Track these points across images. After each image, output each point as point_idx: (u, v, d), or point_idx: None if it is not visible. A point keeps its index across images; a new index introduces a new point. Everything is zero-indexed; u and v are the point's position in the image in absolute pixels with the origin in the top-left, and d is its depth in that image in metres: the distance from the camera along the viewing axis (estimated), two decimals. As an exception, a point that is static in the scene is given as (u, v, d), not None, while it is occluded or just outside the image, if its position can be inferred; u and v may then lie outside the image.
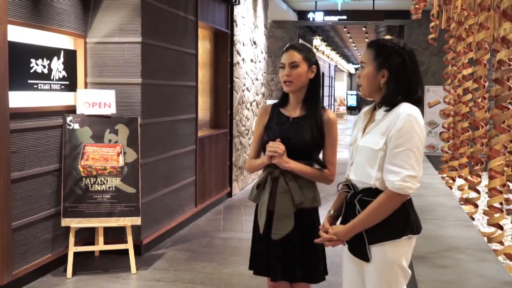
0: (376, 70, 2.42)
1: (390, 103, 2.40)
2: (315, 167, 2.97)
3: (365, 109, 2.62)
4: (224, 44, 8.17)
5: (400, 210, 2.38)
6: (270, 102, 10.73)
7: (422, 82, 2.50)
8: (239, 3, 8.30)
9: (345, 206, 2.57)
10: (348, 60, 38.02)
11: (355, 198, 2.45)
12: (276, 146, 2.81)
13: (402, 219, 2.39)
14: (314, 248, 2.91)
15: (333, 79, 34.98)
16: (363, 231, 2.40)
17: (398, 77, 2.39)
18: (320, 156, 3.00)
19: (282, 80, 2.91)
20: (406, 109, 2.32)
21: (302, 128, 2.89)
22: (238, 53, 8.67)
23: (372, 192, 2.38)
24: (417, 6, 8.79)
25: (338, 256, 2.96)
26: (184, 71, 6.43)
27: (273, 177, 2.88)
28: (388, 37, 2.86)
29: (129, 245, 4.91)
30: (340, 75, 40.86)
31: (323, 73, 24.16)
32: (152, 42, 5.48)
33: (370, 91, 2.47)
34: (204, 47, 7.64)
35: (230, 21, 8.25)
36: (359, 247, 2.44)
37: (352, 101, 42.78)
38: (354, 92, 44.94)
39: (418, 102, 2.42)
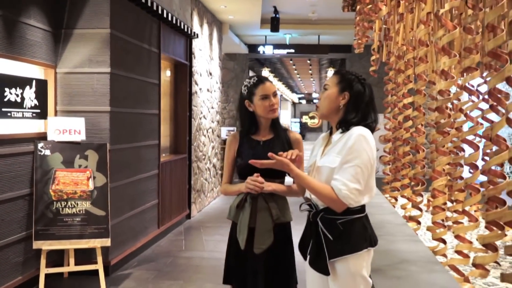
0: (339, 92, 2.52)
1: (345, 125, 2.49)
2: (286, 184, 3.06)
3: (323, 134, 2.70)
4: (183, 74, 8.23)
5: (359, 225, 2.45)
6: (224, 129, 10.70)
7: (377, 112, 2.61)
8: (197, 37, 8.38)
9: (307, 224, 2.63)
10: (292, 90, 38.57)
11: (317, 216, 2.50)
12: (254, 183, 2.86)
13: (361, 234, 2.45)
14: (289, 259, 3.03)
15: (279, 108, 35.43)
16: (324, 246, 2.46)
17: (357, 102, 2.50)
18: None
19: (268, 108, 2.98)
20: (358, 130, 2.41)
21: (273, 149, 2.95)
22: (196, 83, 8.73)
23: (333, 210, 2.43)
24: (359, 41, 9.09)
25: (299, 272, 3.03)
26: (148, 100, 6.44)
27: (252, 196, 2.96)
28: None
29: (99, 266, 4.84)
30: (285, 104, 41.49)
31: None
32: (120, 72, 5.48)
33: (329, 112, 2.55)
34: (165, 78, 7.67)
35: (189, 53, 8.32)
36: (319, 262, 2.47)
37: (296, 128, 43.35)
38: (298, 120, 45.64)
39: (370, 127, 2.51)
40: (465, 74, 5.47)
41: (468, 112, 5.34)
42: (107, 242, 4.91)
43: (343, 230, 2.42)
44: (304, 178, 2.48)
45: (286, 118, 41.15)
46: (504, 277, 3.22)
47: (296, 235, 3.14)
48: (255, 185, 2.87)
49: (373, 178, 2.45)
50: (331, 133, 2.63)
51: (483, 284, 4.39)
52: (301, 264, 2.79)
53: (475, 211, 7.35)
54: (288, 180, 3.08)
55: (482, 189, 4.93)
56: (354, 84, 2.51)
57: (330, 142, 2.56)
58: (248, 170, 2.98)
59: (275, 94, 3.01)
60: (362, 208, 2.47)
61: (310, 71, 24.07)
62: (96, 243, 4.85)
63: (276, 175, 2.98)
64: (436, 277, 3.66)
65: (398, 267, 3.89)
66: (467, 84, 5.18)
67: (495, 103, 4.40)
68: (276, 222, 2.97)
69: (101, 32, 5.21)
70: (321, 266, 2.46)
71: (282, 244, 3.02)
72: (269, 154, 2.43)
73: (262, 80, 3.03)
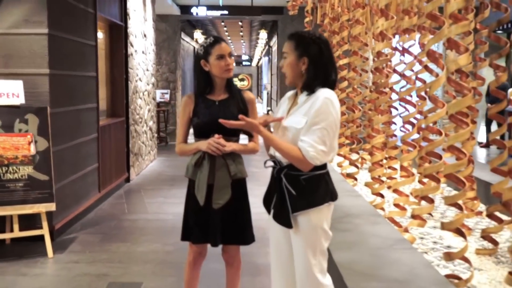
0: (297, 58, 2.56)
1: (310, 87, 2.55)
2: (241, 142, 3.15)
3: (288, 94, 2.76)
4: (119, 36, 8.01)
5: (321, 181, 2.55)
6: (158, 92, 10.55)
7: (336, 68, 2.70)
8: (132, -3, 8.16)
9: (271, 179, 2.70)
10: (222, 52, 38.34)
11: (282, 172, 2.58)
12: (217, 146, 2.93)
13: (323, 189, 2.55)
14: (246, 214, 3.15)
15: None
16: (288, 201, 2.55)
17: (316, 64, 2.55)
18: None
19: (223, 68, 3.02)
20: (324, 93, 2.48)
21: (229, 108, 3.04)
22: (131, 44, 8.52)
23: (296, 167, 2.53)
24: (294, 3, 9.12)
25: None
26: (86, 62, 6.25)
27: (210, 154, 3.00)
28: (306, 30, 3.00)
29: (45, 231, 4.75)
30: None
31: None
32: (58, 33, 5.27)
33: (294, 78, 2.60)
34: (101, 39, 7.44)
35: (124, 14, 8.08)
36: (282, 215, 2.56)
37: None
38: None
39: (333, 85, 2.60)
40: (398, 36, 5.66)
41: (404, 72, 5.54)
42: (52, 206, 4.81)
43: (305, 186, 2.51)
44: (272, 140, 2.54)
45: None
46: (444, 225, 3.44)
47: (251, 195, 3.24)
48: (218, 148, 2.92)
49: (337, 139, 2.54)
50: (296, 93, 2.67)
51: (419, 234, 4.65)
52: (265, 222, 2.86)
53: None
54: (243, 138, 3.14)
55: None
56: (310, 47, 2.54)
57: (296, 102, 2.61)
58: (205, 129, 3.03)
59: (230, 55, 3.05)
60: (324, 165, 2.55)
61: (241, 33, 23.96)
62: (41, 208, 4.75)
63: (232, 133, 3.03)
64: (379, 228, 3.87)
65: (343, 221, 4.07)
66: (399, 45, 5.36)
67: (431, 63, 4.59)
68: (233, 178, 3.05)
69: (36, -9, 4.97)
70: (284, 219, 2.55)
71: (239, 199, 3.12)
72: (240, 116, 2.50)
73: (218, 40, 3.05)
